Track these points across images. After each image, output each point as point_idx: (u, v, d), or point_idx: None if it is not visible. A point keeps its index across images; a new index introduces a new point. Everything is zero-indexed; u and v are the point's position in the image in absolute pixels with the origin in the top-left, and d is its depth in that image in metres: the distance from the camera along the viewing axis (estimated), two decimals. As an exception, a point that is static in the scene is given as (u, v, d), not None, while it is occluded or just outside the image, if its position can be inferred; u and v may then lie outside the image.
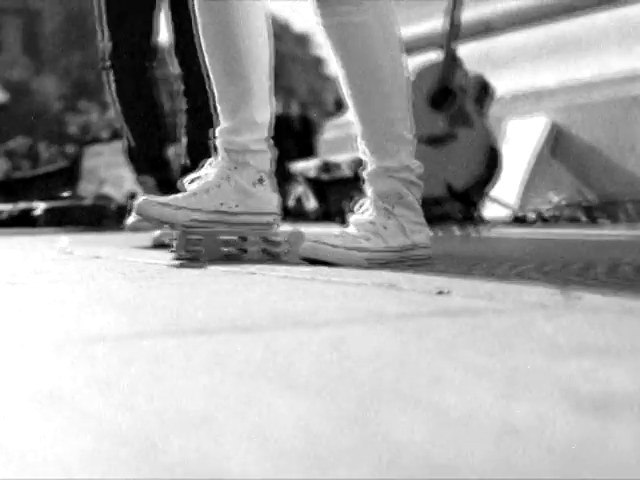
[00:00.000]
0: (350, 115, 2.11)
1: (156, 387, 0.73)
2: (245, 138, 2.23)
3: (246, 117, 2.23)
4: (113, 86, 3.53)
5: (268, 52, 2.27)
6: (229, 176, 2.24)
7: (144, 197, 2.21)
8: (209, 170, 2.27)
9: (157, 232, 3.26)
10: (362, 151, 2.06)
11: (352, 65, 2.03)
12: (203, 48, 2.28)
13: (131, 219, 3.27)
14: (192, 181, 2.30)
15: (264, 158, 2.27)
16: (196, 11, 2.27)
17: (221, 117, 2.27)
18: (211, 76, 2.28)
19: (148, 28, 3.45)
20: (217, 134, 2.27)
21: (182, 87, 3.37)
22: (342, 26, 2.02)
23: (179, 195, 2.24)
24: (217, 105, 2.28)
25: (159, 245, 3.27)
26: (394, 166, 2.01)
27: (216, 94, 2.28)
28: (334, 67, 2.06)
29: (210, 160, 2.29)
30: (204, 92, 3.33)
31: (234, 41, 2.22)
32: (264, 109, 2.26)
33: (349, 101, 2.06)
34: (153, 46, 3.47)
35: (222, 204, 2.22)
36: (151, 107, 3.51)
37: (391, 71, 2.03)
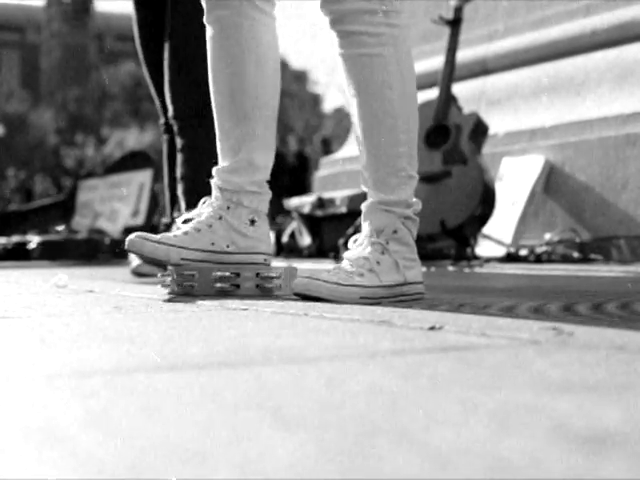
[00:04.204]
0: (355, 145, 2.10)
1: (149, 421, 0.73)
2: (242, 179, 2.22)
3: (246, 158, 2.22)
4: (165, 150, 3.53)
5: (277, 96, 2.27)
6: (221, 216, 2.23)
7: (137, 234, 2.19)
8: (203, 209, 2.26)
9: (135, 262, 3.27)
10: (364, 182, 2.06)
11: (364, 96, 2.02)
12: (210, 86, 2.26)
13: (135, 262, 3.26)
14: (186, 221, 2.30)
15: (260, 199, 2.25)
16: (207, 46, 2.25)
17: (221, 156, 2.26)
18: (215, 114, 2.26)
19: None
20: (214, 173, 2.26)
21: (177, 127, 3.37)
22: (359, 57, 2.02)
23: (171, 234, 2.23)
24: (218, 143, 2.27)
25: (140, 274, 3.29)
26: (392, 200, 2.00)
27: (218, 133, 2.26)
28: (347, 96, 2.06)
29: (204, 199, 2.28)
30: (199, 131, 3.33)
31: (243, 82, 2.20)
32: (266, 152, 2.25)
33: (357, 131, 2.06)
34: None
35: (213, 244, 2.21)
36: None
37: (402, 106, 2.02)
